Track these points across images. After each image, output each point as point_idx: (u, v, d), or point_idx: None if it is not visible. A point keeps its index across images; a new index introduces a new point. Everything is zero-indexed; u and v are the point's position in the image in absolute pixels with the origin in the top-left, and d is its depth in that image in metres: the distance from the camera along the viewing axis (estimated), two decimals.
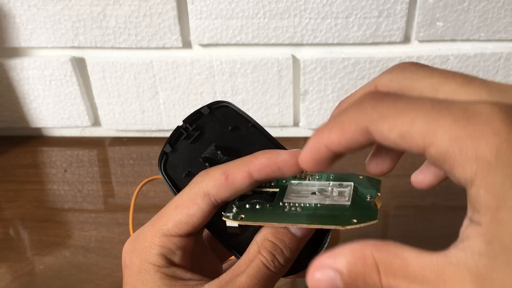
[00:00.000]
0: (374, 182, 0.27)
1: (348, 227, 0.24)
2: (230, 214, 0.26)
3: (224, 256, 0.33)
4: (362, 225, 0.24)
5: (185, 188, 0.28)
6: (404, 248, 0.20)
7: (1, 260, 0.49)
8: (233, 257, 0.30)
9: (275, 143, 0.30)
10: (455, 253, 0.18)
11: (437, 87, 0.21)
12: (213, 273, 0.28)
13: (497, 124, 0.17)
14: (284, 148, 0.28)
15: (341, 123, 0.21)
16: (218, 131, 0.30)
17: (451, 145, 0.18)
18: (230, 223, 0.26)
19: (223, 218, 0.26)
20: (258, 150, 0.27)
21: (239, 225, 0.26)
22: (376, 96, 0.21)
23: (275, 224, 0.26)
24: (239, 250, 0.29)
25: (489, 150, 0.17)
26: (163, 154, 0.30)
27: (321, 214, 0.25)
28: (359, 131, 0.20)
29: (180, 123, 0.31)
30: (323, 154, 0.22)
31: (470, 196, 0.18)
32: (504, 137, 0.17)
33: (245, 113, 0.30)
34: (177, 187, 0.30)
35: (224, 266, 0.33)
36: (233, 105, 0.30)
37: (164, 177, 0.30)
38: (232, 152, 0.29)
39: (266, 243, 0.26)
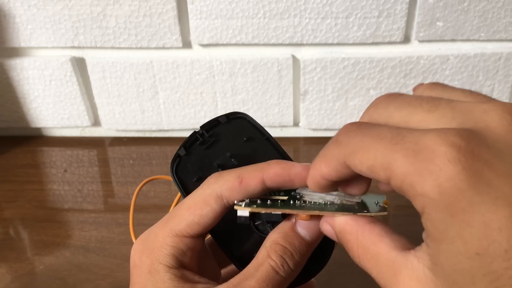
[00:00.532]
0: (379, 197, 0.27)
1: (359, 214, 0.24)
2: (242, 203, 0.26)
3: (223, 262, 0.33)
4: (373, 214, 0.25)
5: (197, 189, 0.28)
6: (384, 238, 0.23)
7: (1, 260, 0.49)
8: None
9: (285, 157, 0.31)
10: (412, 259, 0.21)
11: (408, 119, 0.21)
12: (213, 277, 0.28)
13: (441, 161, 0.18)
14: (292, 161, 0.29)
15: (325, 158, 0.23)
16: (233, 141, 0.31)
17: (403, 180, 0.19)
18: (242, 211, 0.26)
19: (235, 207, 0.26)
20: None
21: (250, 213, 0.26)
22: (349, 129, 0.22)
23: (287, 211, 0.26)
24: (240, 260, 0.29)
25: (432, 188, 0.18)
26: (177, 156, 0.30)
27: (332, 207, 0.26)
28: (340, 165, 0.22)
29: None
30: (323, 183, 0.24)
31: (422, 221, 0.20)
32: (446, 175, 0.18)
33: (261, 126, 0.31)
34: (186, 190, 0.30)
35: (222, 271, 0.33)
36: (250, 118, 0.31)
37: (175, 179, 0.30)
38: (245, 162, 0.29)
39: (276, 246, 0.26)
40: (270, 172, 0.27)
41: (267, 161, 0.27)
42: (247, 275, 0.26)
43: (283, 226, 0.27)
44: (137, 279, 0.27)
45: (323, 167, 0.23)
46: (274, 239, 0.27)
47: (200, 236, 0.28)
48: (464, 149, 0.18)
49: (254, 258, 0.27)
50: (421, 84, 0.25)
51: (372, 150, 0.20)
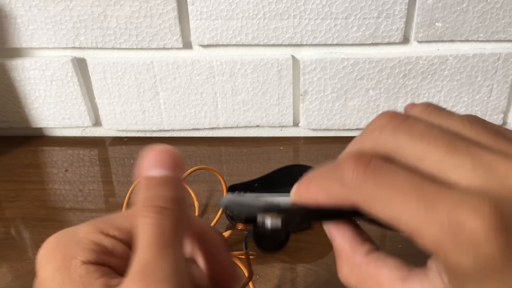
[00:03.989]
0: None
1: None
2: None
3: None
4: None
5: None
6: (385, 265, 0.22)
7: (2, 259, 0.50)
8: None
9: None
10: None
11: (422, 157, 0.20)
12: None
13: (477, 238, 0.18)
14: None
15: (324, 189, 0.22)
16: None
17: (434, 247, 0.19)
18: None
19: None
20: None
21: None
22: (356, 167, 0.20)
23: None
24: None
25: (467, 263, 0.18)
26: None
27: None
28: (342, 201, 0.21)
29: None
30: (309, 203, 0.23)
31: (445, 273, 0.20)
32: (482, 253, 0.18)
33: None
34: None
35: None
36: None
37: None
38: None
39: (140, 207, 0.22)
40: None
41: None
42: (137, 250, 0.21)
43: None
44: (41, 280, 0.22)
45: (320, 196, 0.22)
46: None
47: (129, 246, 0.23)
48: (500, 227, 0.18)
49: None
50: (413, 105, 0.24)
51: (396, 206, 0.19)
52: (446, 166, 0.20)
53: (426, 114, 0.23)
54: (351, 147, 0.23)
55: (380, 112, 0.25)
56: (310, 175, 0.23)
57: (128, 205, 0.55)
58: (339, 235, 0.24)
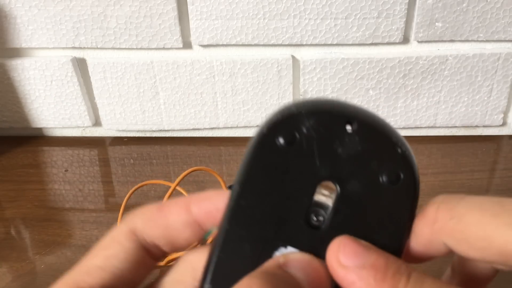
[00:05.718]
0: None
1: None
2: None
3: None
4: None
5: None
6: None
7: (2, 259, 0.50)
8: None
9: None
10: None
11: None
12: None
13: None
14: None
15: None
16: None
17: None
18: None
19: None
20: None
21: None
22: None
23: None
24: None
25: None
26: None
27: None
28: None
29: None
30: None
31: None
32: None
33: None
34: None
35: None
36: None
37: None
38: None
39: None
40: (198, 198, 0.20)
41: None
42: None
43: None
44: None
45: None
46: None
47: (109, 285, 0.20)
48: None
49: None
50: None
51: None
52: None
53: None
54: None
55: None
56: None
57: (126, 206, 0.55)
58: None
